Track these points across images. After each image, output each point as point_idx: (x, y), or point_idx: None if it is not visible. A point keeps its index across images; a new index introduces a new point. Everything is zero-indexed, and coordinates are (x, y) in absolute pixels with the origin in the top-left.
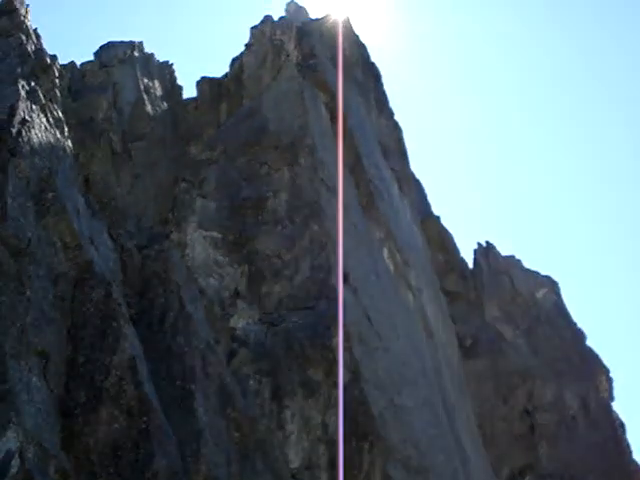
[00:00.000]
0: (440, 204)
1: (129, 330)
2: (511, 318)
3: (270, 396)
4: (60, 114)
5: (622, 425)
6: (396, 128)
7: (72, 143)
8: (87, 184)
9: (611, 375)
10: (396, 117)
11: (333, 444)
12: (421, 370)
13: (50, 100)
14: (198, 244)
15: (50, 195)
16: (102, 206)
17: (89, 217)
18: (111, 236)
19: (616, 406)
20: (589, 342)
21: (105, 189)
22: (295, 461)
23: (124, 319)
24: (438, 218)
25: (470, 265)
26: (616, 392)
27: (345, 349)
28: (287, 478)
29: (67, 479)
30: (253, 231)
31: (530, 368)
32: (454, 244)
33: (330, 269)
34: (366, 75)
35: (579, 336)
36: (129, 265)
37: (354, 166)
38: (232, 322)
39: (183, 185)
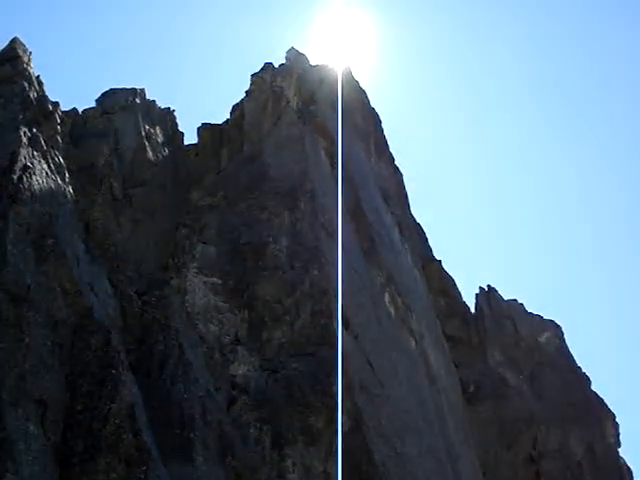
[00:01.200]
0: (441, 248)
1: (128, 377)
2: (514, 363)
3: (271, 444)
4: (61, 160)
5: (629, 471)
6: (396, 172)
7: (73, 189)
8: (87, 230)
9: (617, 420)
10: (396, 161)
11: None
12: (424, 417)
13: (51, 146)
14: (198, 290)
15: (50, 241)
16: (102, 252)
17: (89, 263)
18: (111, 282)
19: (623, 452)
20: (594, 387)
21: (105, 235)
22: None
23: (123, 366)
24: (439, 262)
25: (472, 309)
26: (623, 437)
27: (346, 396)
28: None
29: None
30: (253, 276)
31: (534, 414)
32: (456, 288)
33: (331, 314)
34: (366, 120)
35: (584, 381)
36: (129, 311)
37: (354, 211)
38: (232, 369)
39: (184, 231)
